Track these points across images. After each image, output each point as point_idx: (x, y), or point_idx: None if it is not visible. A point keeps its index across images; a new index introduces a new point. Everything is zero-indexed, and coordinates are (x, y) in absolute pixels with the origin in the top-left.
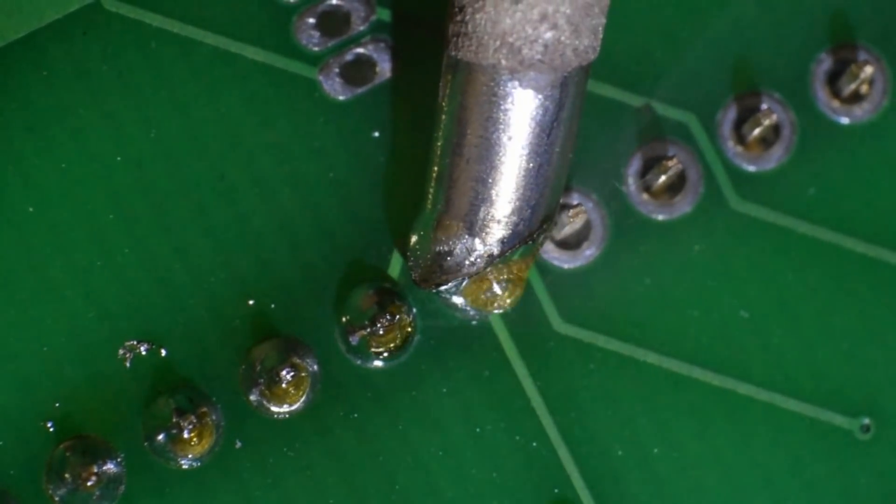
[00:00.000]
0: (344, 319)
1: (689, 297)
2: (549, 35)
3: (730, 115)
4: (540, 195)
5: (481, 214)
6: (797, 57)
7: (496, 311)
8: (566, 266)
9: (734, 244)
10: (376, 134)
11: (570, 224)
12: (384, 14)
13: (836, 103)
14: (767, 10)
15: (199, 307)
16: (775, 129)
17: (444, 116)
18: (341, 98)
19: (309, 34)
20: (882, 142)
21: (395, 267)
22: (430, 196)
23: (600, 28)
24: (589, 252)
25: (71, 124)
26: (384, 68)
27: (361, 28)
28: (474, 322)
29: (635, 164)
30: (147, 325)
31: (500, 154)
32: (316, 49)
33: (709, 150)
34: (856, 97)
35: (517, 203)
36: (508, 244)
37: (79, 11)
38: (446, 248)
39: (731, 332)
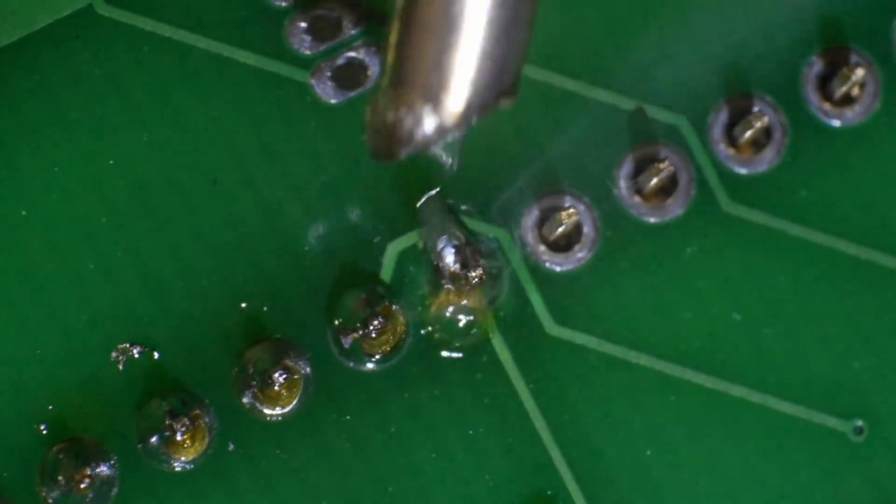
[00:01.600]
0: (336, 322)
1: (681, 300)
2: None
3: (721, 117)
4: (495, 67)
5: (434, 83)
6: (788, 59)
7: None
8: (558, 268)
9: (726, 247)
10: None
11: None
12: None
13: (827, 106)
14: (758, 13)
15: (192, 310)
16: (767, 132)
17: None
18: (333, 102)
19: (301, 38)
20: (873, 144)
21: (387, 270)
22: (386, 65)
23: None
24: (581, 254)
25: (63, 128)
26: (376, 72)
27: (353, 32)
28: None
29: (627, 167)
30: (140, 327)
31: (455, 24)
32: (308, 53)
33: (700, 153)
34: (847, 100)
35: (472, 74)
36: (462, 116)
37: (71, 16)
38: (399, 117)
39: (723, 335)
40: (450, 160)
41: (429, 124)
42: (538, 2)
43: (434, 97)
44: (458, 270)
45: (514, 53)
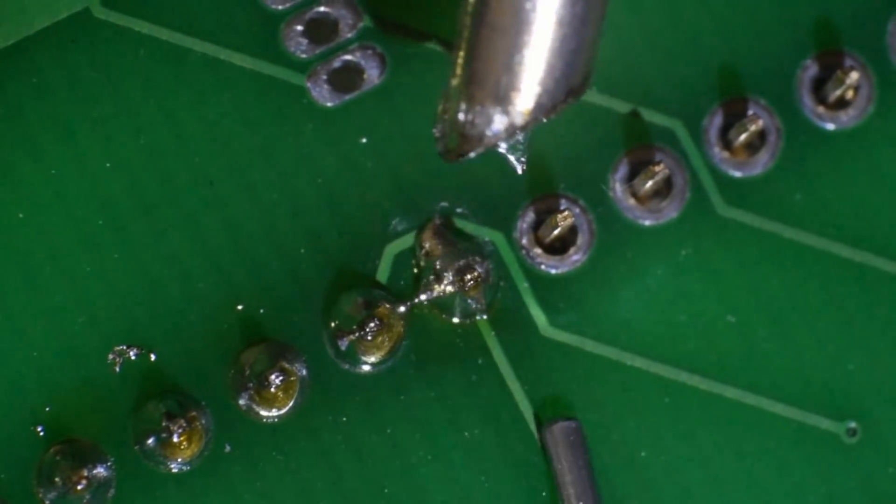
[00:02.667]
0: (333, 324)
1: (675, 302)
2: None
3: (716, 120)
4: (565, 66)
5: (504, 83)
6: (783, 63)
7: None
8: (553, 271)
9: (720, 249)
10: (364, 140)
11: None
12: (371, 21)
13: (821, 109)
14: (753, 17)
15: (189, 312)
16: (761, 135)
17: None
18: (329, 105)
19: (297, 41)
20: (867, 147)
21: (383, 272)
22: (457, 65)
23: None
24: (576, 257)
25: (60, 131)
26: (372, 75)
27: (349, 35)
28: (462, 327)
29: (622, 170)
30: (136, 329)
31: (525, 23)
32: (304, 56)
33: (695, 156)
34: (841, 103)
35: (542, 73)
36: (532, 115)
37: (68, 19)
38: (469, 118)
39: (717, 337)
40: (518, 157)
41: (499, 124)
42: (607, 3)
43: (504, 97)
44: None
45: (583, 52)
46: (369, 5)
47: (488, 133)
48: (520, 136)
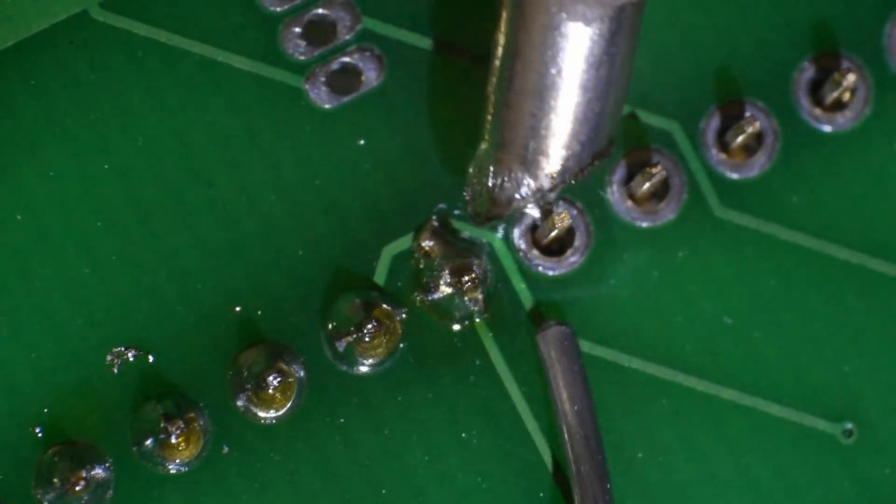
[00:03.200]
0: (330, 326)
1: (672, 304)
2: None
3: (713, 123)
4: (590, 130)
5: (531, 148)
6: (780, 65)
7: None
8: (550, 273)
9: (717, 251)
10: (362, 142)
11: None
12: (370, 23)
13: (818, 111)
14: (750, 19)
15: (187, 313)
16: (758, 137)
17: (498, 50)
18: (327, 106)
19: (295, 43)
20: (864, 149)
21: (380, 273)
22: (486, 129)
23: None
24: (573, 259)
25: (58, 133)
26: (370, 77)
27: (347, 37)
28: (459, 328)
29: (619, 172)
30: (135, 331)
31: (550, 88)
32: (302, 58)
33: (692, 158)
34: (838, 105)
35: (567, 138)
36: (559, 179)
37: (66, 21)
38: (498, 181)
39: (714, 338)
40: (543, 214)
41: (527, 188)
42: (632, 65)
43: (532, 162)
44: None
45: (608, 116)
46: (367, 7)
47: (517, 197)
48: (550, 198)
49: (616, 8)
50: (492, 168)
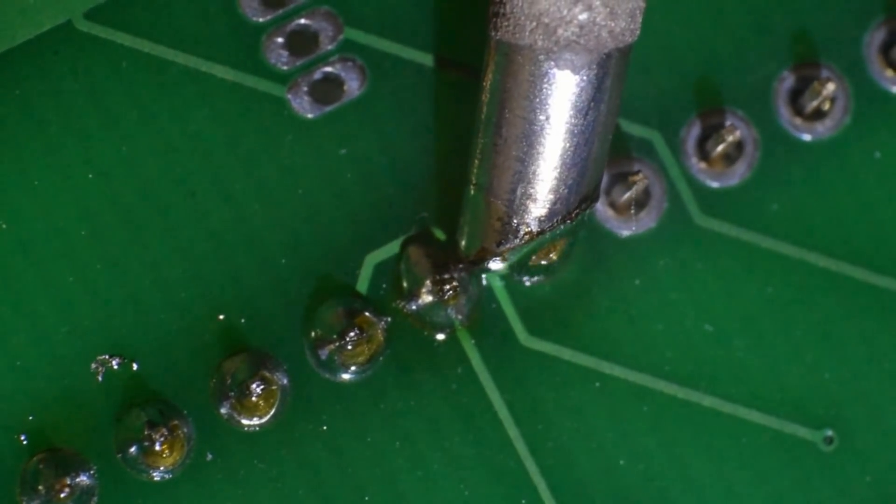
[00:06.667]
0: (313, 334)
1: (653, 311)
2: (583, 16)
3: (693, 131)
4: (577, 175)
5: (519, 193)
6: (760, 74)
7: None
8: (531, 281)
9: (698, 259)
10: (343, 151)
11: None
12: (352, 34)
13: (798, 120)
14: (730, 29)
15: (170, 321)
16: (738, 146)
17: (484, 96)
18: (310, 116)
19: (278, 53)
20: (843, 158)
21: (363, 282)
22: (473, 173)
23: (638, 11)
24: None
25: (43, 142)
26: (352, 87)
27: (329, 47)
28: (442, 336)
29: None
30: (119, 339)
31: (537, 134)
32: (284, 68)
33: (673, 167)
34: (818, 114)
35: (554, 182)
36: (546, 222)
37: (51, 31)
38: (487, 226)
39: (695, 346)
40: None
41: (517, 234)
42: (619, 109)
43: (520, 206)
44: (432, 297)
45: (595, 160)
46: (350, 18)
47: (506, 241)
48: (541, 243)
49: (603, 55)
50: (480, 212)
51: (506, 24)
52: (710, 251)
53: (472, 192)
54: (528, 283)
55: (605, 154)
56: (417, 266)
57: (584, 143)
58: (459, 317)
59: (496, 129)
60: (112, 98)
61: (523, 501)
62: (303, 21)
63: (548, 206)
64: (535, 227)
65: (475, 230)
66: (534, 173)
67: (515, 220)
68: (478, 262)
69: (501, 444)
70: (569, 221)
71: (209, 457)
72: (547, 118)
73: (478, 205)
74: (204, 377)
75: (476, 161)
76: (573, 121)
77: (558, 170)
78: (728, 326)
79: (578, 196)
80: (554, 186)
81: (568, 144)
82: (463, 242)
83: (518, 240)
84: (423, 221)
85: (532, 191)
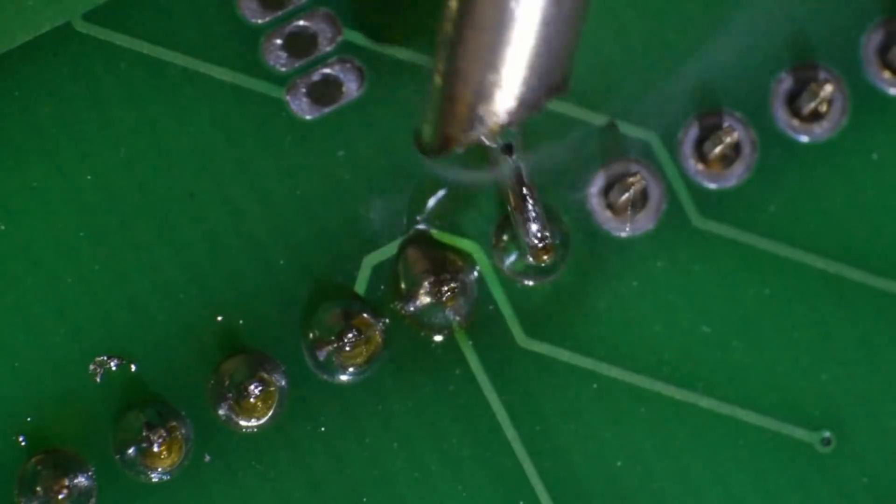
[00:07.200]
0: (311, 335)
1: (651, 313)
2: None
3: (691, 133)
4: (547, 64)
5: (487, 81)
6: (758, 76)
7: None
8: (530, 282)
9: (695, 261)
10: (342, 153)
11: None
12: (350, 35)
13: (796, 122)
14: (727, 31)
15: (169, 323)
16: (736, 148)
17: None
18: (308, 117)
19: (276, 55)
20: (841, 160)
21: (361, 283)
22: (440, 62)
23: None
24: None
25: (41, 143)
26: (350, 88)
27: (328, 49)
28: (440, 338)
29: (598, 182)
30: (117, 340)
31: (508, 21)
32: (283, 69)
33: (670, 168)
34: (815, 116)
35: (524, 72)
36: (515, 113)
37: (50, 33)
38: (452, 114)
39: (692, 347)
40: (507, 154)
41: (483, 123)
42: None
43: (487, 95)
44: (430, 299)
45: (566, 50)
46: (348, 19)
47: (472, 130)
48: (504, 132)
49: None
50: (445, 100)
51: None
52: (707, 253)
53: (438, 79)
54: (529, 283)
55: (575, 45)
56: (415, 267)
57: (556, 32)
58: (457, 318)
59: (467, 16)
60: (111, 99)
61: (521, 502)
62: (301, 22)
63: (516, 96)
64: (502, 116)
65: (439, 118)
66: (502, 60)
67: (482, 108)
68: (440, 152)
69: (499, 445)
70: (535, 111)
71: (207, 458)
72: (518, 4)
73: (443, 92)
74: (202, 378)
75: (444, 49)
76: (547, 9)
77: (528, 59)
78: (726, 328)
79: (547, 86)
80: (524, 76)
81: (539, 33)
82: (427, 132)
83: (484, 128)
84: (422, 222)
85: (499, 78)
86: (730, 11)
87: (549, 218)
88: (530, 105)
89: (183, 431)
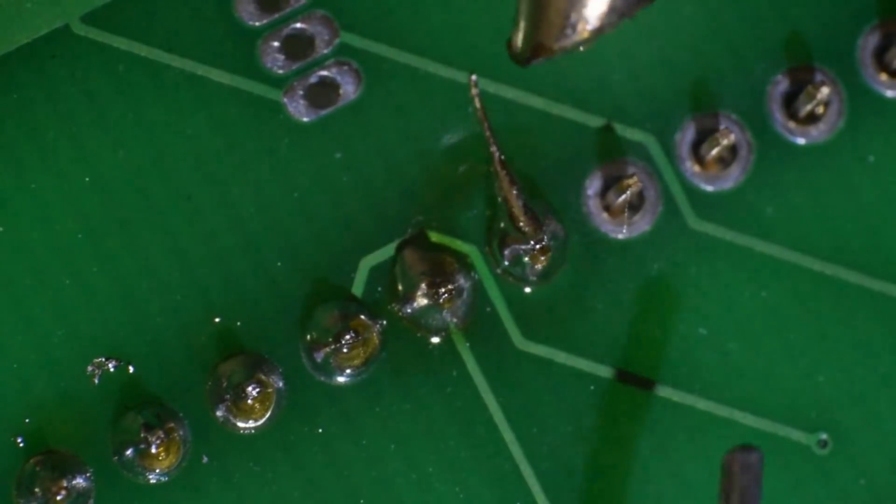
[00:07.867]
0: (309, 337)
1: (648, 315)
2: None
3: (688, 135)
4: None
5: None
6: (754, 78)
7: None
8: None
9: (692, 262)
10: (339, 155)
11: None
12: (347, 37)
13: (792, 124)
14: (725, 33)
15: (167, 324)
16: (733, 150)
17: None
18: (305, 120)
19: (274, 57)
20: (837, 162)
21: (358, 285)
22: None
23: None
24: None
25: (40, 146)
26: (347, 90)
27: (325, 51)
28: (437, 339)
29: (595, 184)
30: (115, 342)
31: None
32: (280, 72)
33: (667, 170)
34: (812, 118)
35: None
36: (607, 19)
37: (48, 35)
38: (545, 21)
39: (689, 349)
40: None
41: (577, 29)
42: None
43: (580, 2)
44: (427, 301)
45: None
46: (345, 22)
47: (564, 35)
48: (592, 39)
49: None
50: (538, 8)
51: None
52: (704, 255)
53: None
54: (525, 286)
55: None
56: (412, 269)
57: None
58: (454, 320)
59: None
60: (109, 102)
61: (518, 503)
62: (298, 25)
63: (608, 2)
64: (594, 23)
65: (531, 26)
66: None
67: (574, 15)
68: (531, 60)
69: (496, 446)
70: (627, 18)
71: (205, 459)
72: None
73: (537, 2)
74: (200, 380)
75: None
76: None
77: None
78: (722, 330)
79: None
80: None
81: None
82: (518, 40)
83: (576, 35)
84: (419, 225)
85: None
86: (726, 13)
87: (546, 219)
88: (622, 11)
89: (181, 433)
